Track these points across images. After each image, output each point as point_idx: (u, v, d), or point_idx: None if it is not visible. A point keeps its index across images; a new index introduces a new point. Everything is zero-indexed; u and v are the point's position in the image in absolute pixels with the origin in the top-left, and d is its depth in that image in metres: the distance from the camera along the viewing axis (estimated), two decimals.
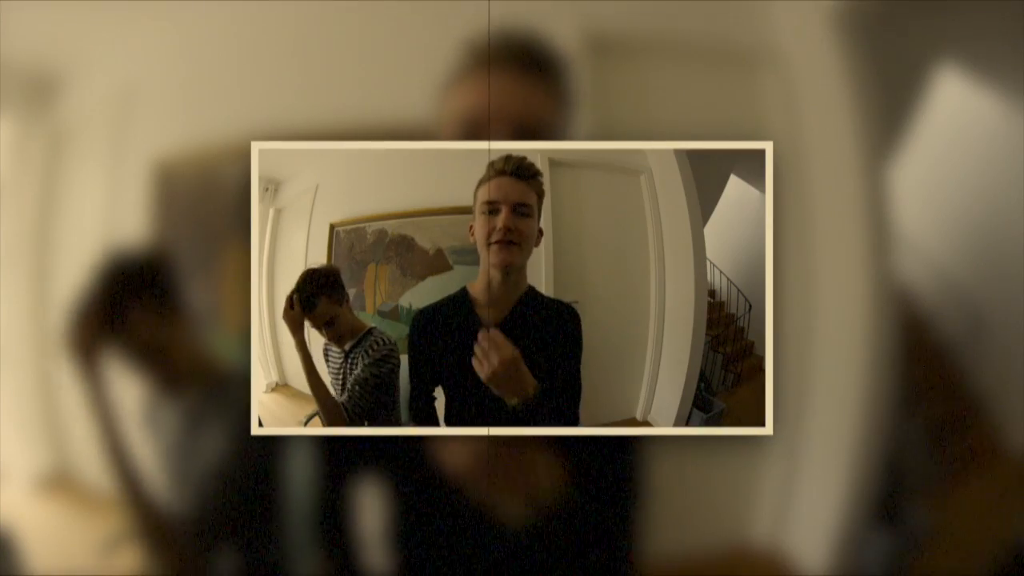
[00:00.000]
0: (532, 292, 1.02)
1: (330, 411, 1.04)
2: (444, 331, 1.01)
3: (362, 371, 1.03)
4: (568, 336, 1.01)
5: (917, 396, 1.12)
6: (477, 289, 1.01)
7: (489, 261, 0.99)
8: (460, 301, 1.02)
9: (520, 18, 1.03)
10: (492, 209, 0.99)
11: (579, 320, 1.01)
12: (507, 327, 0.99)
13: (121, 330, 1.02)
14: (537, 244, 1.01)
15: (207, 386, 1.06)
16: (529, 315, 1.00)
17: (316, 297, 1.02)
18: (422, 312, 1.03)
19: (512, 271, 1.00)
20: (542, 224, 1.01)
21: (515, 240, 0.99)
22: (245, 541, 1.06)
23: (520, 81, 1.02)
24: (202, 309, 1.08)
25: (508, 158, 1.00)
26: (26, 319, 1.12)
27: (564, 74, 1.03)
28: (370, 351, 1.03)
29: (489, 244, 0.99)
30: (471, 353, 0.99)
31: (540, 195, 1.01)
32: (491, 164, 1.00)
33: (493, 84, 1.01)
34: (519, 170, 1.00)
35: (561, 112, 1.03)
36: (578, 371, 1.01)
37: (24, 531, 1.10)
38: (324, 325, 1.03)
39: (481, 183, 1.00)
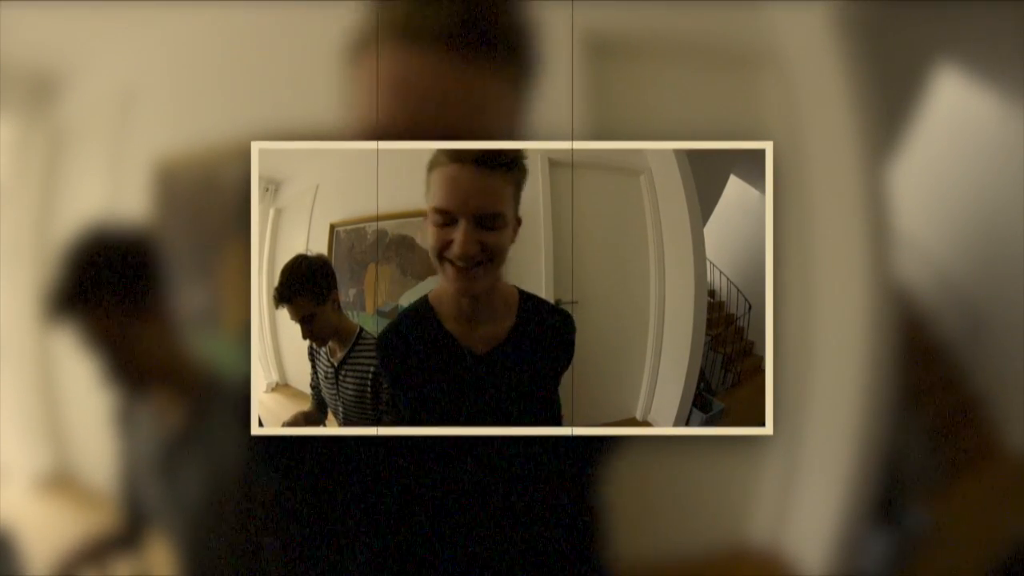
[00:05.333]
0: (525, 307, 0.85)
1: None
2: (414, 359, 0.84)
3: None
4: (565, 344, 0.90)
5: (916, 396, 1.12)
6: (444, 304, 0.84)
7: (446, 280, 0.79)
8: (424, 317, 0.84)
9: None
10: (446, 220, 0.76)
11: (572, 324, 0.92)
12: (499, 356, 0.84)
13: (96, 326, 1.01)
14: (513, 239, 0.81)
15: (201, 386, 1.06)
16: (526, 339, 0.84)
17: (294, 290, 0.98)
18: (385, 337, 0.87)
19: (482, 292, 0.80)
20: (542, 224, 1.00)
21: (480, 262, 0.77)
22: (244, 541, 1.06)
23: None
24: (201, 309, 1.08)
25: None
26: (26, 319, 1.12)
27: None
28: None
29: (442, 260, 0.78)
30: (448, 384, 0.82)
31: (518, 185, 0.79)
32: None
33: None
34: (488, 156, 0.74)
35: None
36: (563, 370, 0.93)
37: (24, 531, 1.10)
38: (300, 321, 0.99)
39: (432, 169, 0.77)
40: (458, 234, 0.76)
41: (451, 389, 0.83)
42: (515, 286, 0.87)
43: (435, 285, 1.02)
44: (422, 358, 0.82)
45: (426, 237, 0.79)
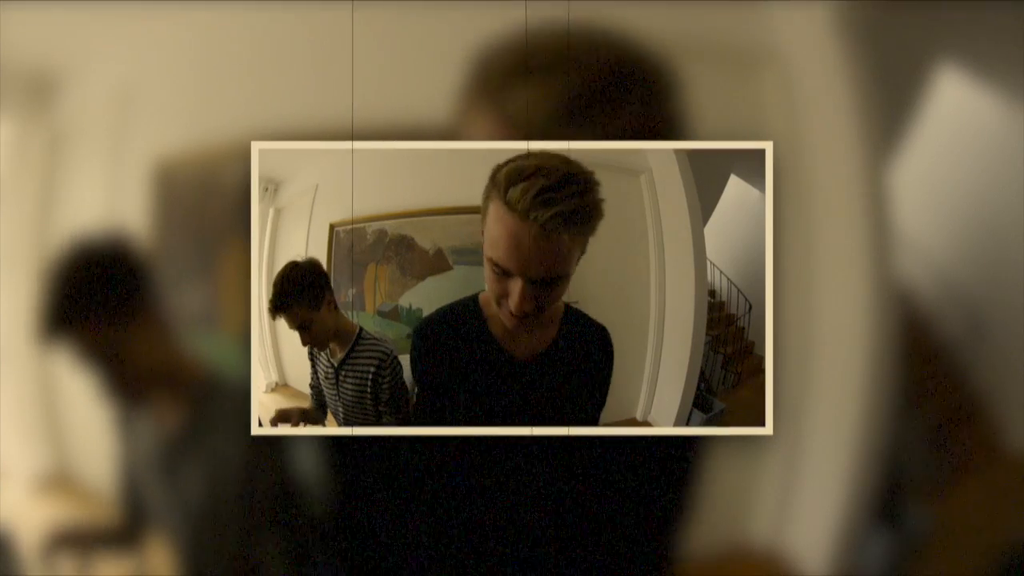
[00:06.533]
0: (568, 317, 0.85)
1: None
2: (454, 354, 0.82)
3: (391, 392, 1.00)
4: (604, 360, 0.91)
5: (917, 396, 1.12)
6: (493, 308, 0.81)
7: (502, 316, 0.78)
8: (472, 316, 0.83)
9: (522, 24, 1.03)
10: (502, 272, 0.72)
11: (610, 339, 0.93)
12: (542, 363, 0.84)
13: (86, 329, 1.01)
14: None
15: (200, 388, 1.06)
16: (567, 349, 0.84)
17: (288, 299, 0.99)
18: (427, 327, 0.87)
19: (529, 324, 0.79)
20: None
21: (535, 313, 0.74)
22: (244, 541, 1.06)
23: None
24: (200, 310, 1.08)
25: (543, 198, 0.65)
26: (26, 319, 1.12)
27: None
28: (384, 370, 0.99)
29: (500, 305, 0.76)
30: (488, 387, 0.81)
31: (587, 240, 0.73)
32: (508, 181, 0.68)
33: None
34: (560, 222, 0.65)
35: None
36: (607, 388, 0.94)
37: (24, 531, 1.10)
38: (298, 328, 1.00)
39: (490, 197, 0.73)
40: (514, 291, 0.72)
41: (487, 390, 0.81)
42: (563, 301, 0.85)
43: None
44: (462, 354, 0.80)
45: (485, 275, 0.75)
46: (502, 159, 0.79)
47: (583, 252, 0.73)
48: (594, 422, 0.95)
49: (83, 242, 1.05)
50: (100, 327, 1.00)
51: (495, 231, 0.70)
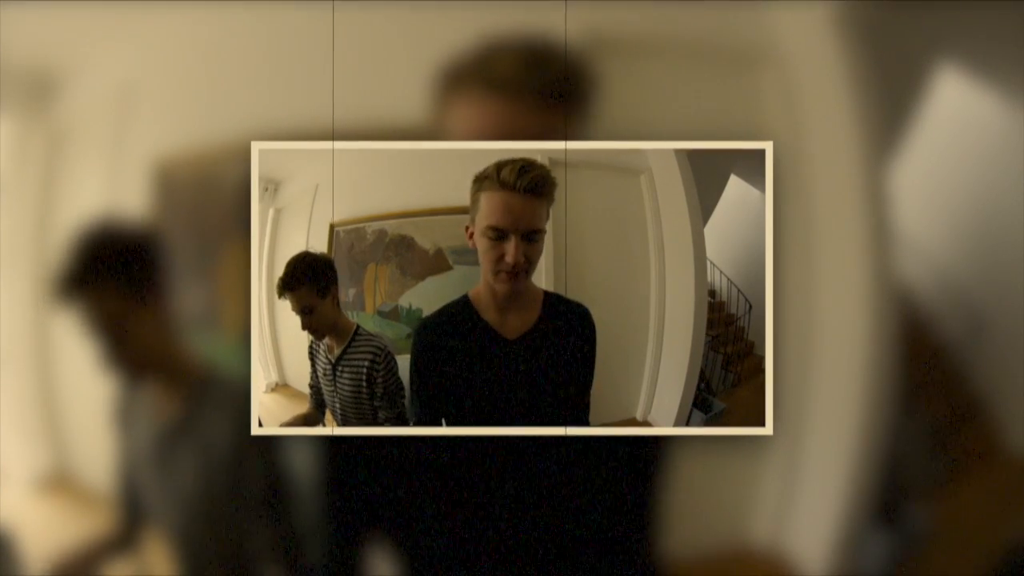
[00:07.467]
0: (549, 301, 0.98)
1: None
2: (452, 344, 0.96)
3: (385, 387, 1.01)
4: (586, 337, 0.99)
5: (917, 396, 1.12)
6: (482, 300, 0.97)
7: (494, 287, 0.94)
8: (464, 311, 0.97)
9: (519, 20, 1.03)
10: (499, 235, 0.91)
11: (591, 319, 0.99)
12: (528, 341, 0.96)
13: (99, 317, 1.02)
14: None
15: (198, 383, 1.06)
16: (550, 328, 0.97)
17: (297, 280, 1.00)
18: (426, 325, 0.98)
19: (519, 291, 0.96)
20: None
21: (525, 269, 0.93)
22: (240, 536, 1.06)
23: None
24: (201, 308, 1.08)
25: (521, 170, 0.89)
26: (26, 319, 1.12)
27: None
28: (379, 365, 1.01)
29: (496, 272, 0.93)
30: (484, 366, 0.95)
31: (551, 203, 0.94)
32: (498, 169, 0.91)
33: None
34: (535, 186, 0.90)
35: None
36: (592, 367, 0.99)
37: (24, 531, 1.10)
38: (301, 311, 1.01)
39: (481, 189, 0.92)
40: (510, 248, 0.91)
41: (483, 367, 0.96)
42: (541, 288, 0.99)
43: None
44: (460, 343, 0.96)
45: (480, 251, 0.93)
46: (503, 158, 0.93)
47: (548, 216, 0.94)
48: (582, 402, 0.99)
49: (105, 220, 1.06)
50: (109, 297, 1.01)
51: (489, 207, 0.91)
